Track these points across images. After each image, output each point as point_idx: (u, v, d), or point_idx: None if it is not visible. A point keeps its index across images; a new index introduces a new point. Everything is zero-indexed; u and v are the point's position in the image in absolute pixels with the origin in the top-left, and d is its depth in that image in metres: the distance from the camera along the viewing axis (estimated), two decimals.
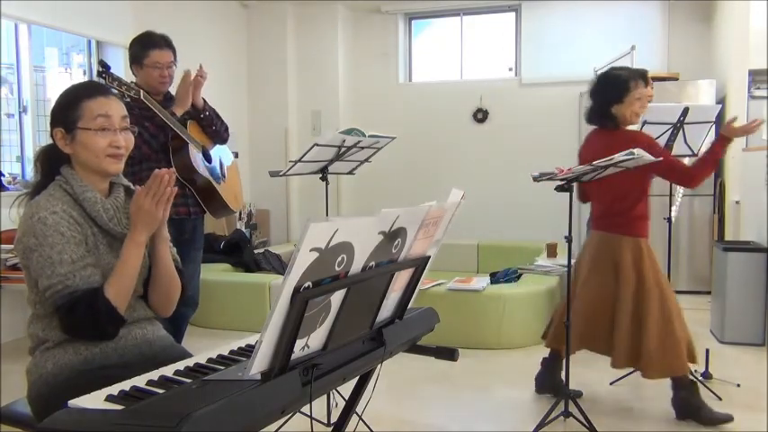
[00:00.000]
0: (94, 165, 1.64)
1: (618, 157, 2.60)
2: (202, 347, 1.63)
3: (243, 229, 6.30)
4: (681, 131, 3.25)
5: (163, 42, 2.97)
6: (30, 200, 1.62)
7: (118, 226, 1.66)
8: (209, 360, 1.47)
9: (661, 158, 2.68)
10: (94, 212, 1.62)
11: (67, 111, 1.63)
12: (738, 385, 3.29)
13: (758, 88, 4.75)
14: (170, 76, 2.99)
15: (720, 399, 3.14)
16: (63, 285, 1.49)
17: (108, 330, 1.55)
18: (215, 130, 3.13)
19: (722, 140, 2.82)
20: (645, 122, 3.18)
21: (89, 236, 1.60)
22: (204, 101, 3.07)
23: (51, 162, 1.67)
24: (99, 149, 1.62)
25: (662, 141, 3.27)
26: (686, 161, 3.38)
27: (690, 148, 3.34)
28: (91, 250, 1.59)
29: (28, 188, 1.70)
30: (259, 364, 1.11)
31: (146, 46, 2.93)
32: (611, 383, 3.39)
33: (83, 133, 1.61)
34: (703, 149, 3.31)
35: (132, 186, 1.78)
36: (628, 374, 3.44)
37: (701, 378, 3.35)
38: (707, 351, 3.45)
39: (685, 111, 3.18)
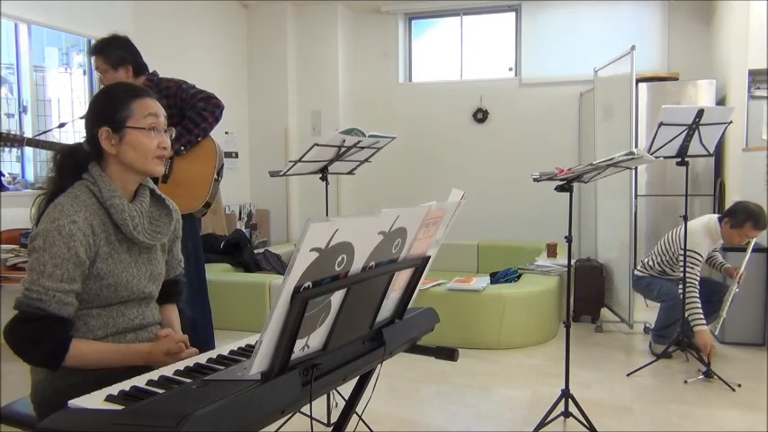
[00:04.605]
0: (140, 166, 1.61)
1: (618, 156, 2.61)
2: None
3: (243, 229, 6.30)
4: (696, 132, 3.28)
5: (95, 49, 2.96)
6: (49, 200, 1.59)
7: (141, 234, 1.64)
8: (209, 360, 1.47)
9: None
10: (121, 220, 1.59)
11: (115, 110, 1.59)
12: (739, 385, 3.29)
13: (758, 88, 4.75)
14: (107, 82, 2.90)
15: (734, 390, 3.20)
16: (38, 297, 1.45)
17: (42, 362, 1.50)
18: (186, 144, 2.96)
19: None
20: (661, 124, 3.21)
21: (103, 245, 1.57)
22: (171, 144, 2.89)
23: (77, 162, 1.63)
24: (149, 150, 1.60)
25: (678, 142, 3.32)
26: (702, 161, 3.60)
27: (705, 148, 3.39)
28: (104, 260, 1.57)
29: (47, 187, 1.66)
30: (259, 364, 1.11)
31: None
32: (627, 375, 3.47)
33: (133, 133, 1.58)
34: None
35: (158, 190, 1.77)
36: (641, 368, 3.49)
37: (702, 377, 3.37)
38: (709, 352, 3.47)
39: (700, 112, 3.23)
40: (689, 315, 3.58)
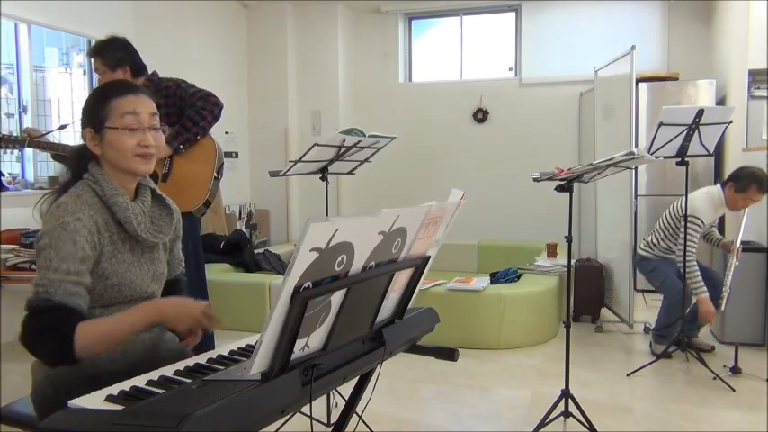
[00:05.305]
0: (123, 165, 1.60)
1: (618, 156, 2.61)
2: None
3: (243, 229, 6.30)
4: (696, 132, 3.28)
5: (93, 51, 3.00)
6: (56, 199, 1.58)
7: (144, 232, 1.63)
8: (209, 360, 1.47)
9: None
10: (125, 219, 1.58)
11: (96, 110, 1.60)
12: None
13: (758, 88, 4.76)
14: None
15: (734, 390, 3.23)
16: (44, 290, 1.44)
17: (51, 354, 1.44)
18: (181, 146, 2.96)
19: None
20: (661, 124, 3.21)
21: (107, 244, 1.56)
22: (170, 142, 2.86)
23: (82, 162, 1.63)
24: (127, 149, 1.58)
25: (678, 142, 3.32)
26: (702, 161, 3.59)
27: (705, 148, 3.39)
28: (108, 259, 1.56)
29: (56, 186, 1.67)
30: (259, 364, 1.11)
31: None
32: (627, 375, 3.48)
33: (111, 132, 1.58)
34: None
35: (159, 190, 1.76)
36: (641, 368, 3.51)
37: (729, 373, 3.44)
38: (736, 348, 3.54)
39: (700, 112, 3.23)
40: (690, 282, 3.59)
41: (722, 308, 3.61)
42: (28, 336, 1.44)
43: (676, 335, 3.70)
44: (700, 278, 3.56)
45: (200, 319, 1.54)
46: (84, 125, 1.62)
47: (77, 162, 1.65)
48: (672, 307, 3.78)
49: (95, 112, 1.60)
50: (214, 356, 1.49)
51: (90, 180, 1.60)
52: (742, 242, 3.87)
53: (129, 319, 1.49)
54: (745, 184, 3.57)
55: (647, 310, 4.67)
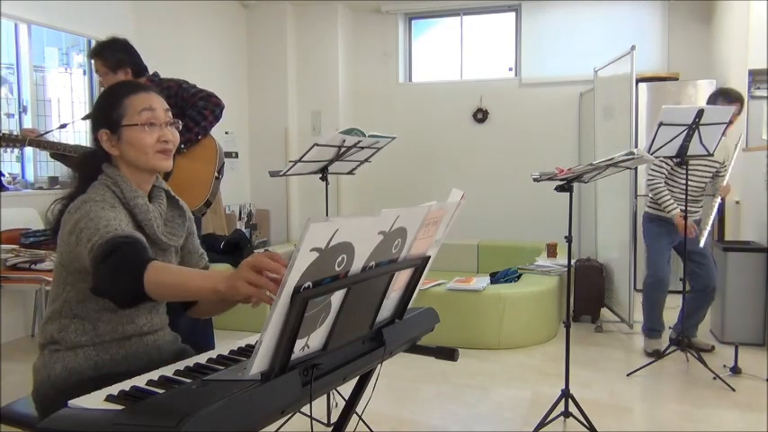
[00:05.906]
0: (143, 162, 1.58)
1: (618, 156, 2.61)
2: None
3: (243, 229, 6.30)
4: (696, 132, 3.29)
5: (93, 52, 2.99)
6: (68, 202, 1.55)
7: (163, 235, 1.62)
8: (209, 360, 1.47)
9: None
10: (146, 221, 1.57)
11: (110, 110, 1.58)
12: None
13: (758, 88, 4.75)
14: (107, 84, 2.91)
15: (734, 390, 3.23)
16: (103, 238, 1.37)
17: (127, 283, 1.31)
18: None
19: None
20: (661, 124, 3.22)
21: None
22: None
23: (95, 164, 1.61)
24: (147, 146, 1.57)
25: (678, 142, 3.32)
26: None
27: (705, 148, 3.39)
28: None
29: (56, 187, 1.66)
30: (259, 364, 1.10)
31: None
32: (627, 375, 3.48)
33: (129, 130, 1.56)
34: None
35: (172, 192, 1.74)
36: (641, 368, 3.51)
37: (729, 373, 3.45)
38: (736, 348, 3.52)
39: (700, 112, 3.24)
40: (660, 203, 3.70)
41: (701, 244, 3.65)
42: (102, 275, 1.34)
43: (677, 335, 3.69)
44: (667, 197, 3.67)
45: (266, 265, 1.32)
46: (97, 127, 1.59)
47: (89, 164, 1.62)
48: (650, 287, 3.79)
49: (110, 113, 1.58)
50: (214, 356, 1.49)
51: (108, 181, 1.57)
52: (742, 241, 3.87)
53: (203, 281, 1.31)
54: (712, 98, 3.71)
55: None
